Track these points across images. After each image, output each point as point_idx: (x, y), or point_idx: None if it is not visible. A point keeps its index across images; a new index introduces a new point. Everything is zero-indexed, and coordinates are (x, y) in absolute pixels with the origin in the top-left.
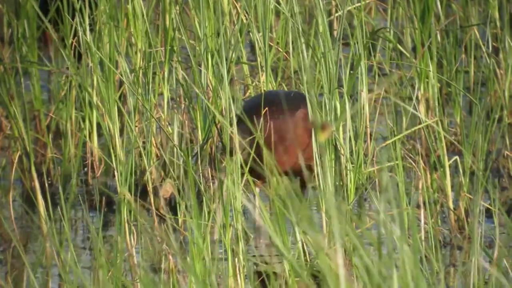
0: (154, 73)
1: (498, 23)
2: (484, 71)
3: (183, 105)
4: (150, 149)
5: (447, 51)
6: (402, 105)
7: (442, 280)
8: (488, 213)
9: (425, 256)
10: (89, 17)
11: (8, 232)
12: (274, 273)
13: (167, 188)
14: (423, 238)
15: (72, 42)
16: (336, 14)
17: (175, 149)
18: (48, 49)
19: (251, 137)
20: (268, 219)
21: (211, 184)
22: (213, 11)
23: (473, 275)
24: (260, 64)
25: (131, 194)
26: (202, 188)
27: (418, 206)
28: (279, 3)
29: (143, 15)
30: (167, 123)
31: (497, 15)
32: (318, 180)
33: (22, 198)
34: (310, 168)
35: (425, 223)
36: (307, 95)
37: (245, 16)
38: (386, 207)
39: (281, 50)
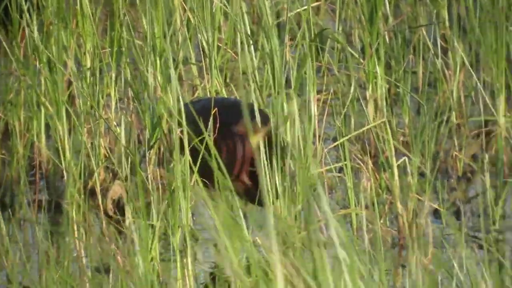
0: (102, 74)
1: (447, 23)
2: (432, 72)
3: (131, 106)
4: (98, 150)
5: (395, 51)
6: (350, 106)
7: (390, 280)
8: (437, 214)
9: (373, 257)
10: (37, 18)
11: None
12: (223, 275)
13: (116, 189)
14: (369, 238)
15: (20, 43)
16: (286, 15)
17: (123, 150)
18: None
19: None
20: (219, 221)
21: (159, 184)
22: (161, 11)
23: (419, 276)
24: (208, 65)
25: (79, 195)
26: (150, 189)
27: (366, 207)
28: (227, 3)
29: (91, 16)
30: (115, 124)
31: (446, 14)
32: (265, 182)
33: None
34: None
35: (373, 224)
36: (253, 97)
37: (193, 16)
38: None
39: (229, 51)
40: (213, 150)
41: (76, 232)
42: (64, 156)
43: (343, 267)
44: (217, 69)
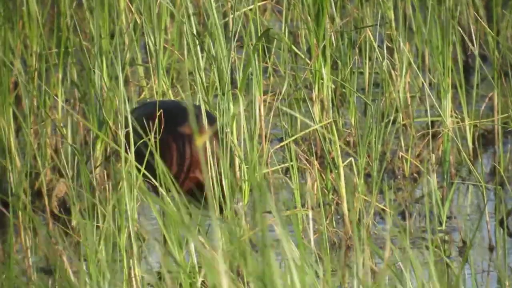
0: (49, 75)
1: (393, 24)
2: (378, 72)
3: (78, 107)
4: (44, 151)
5: (341, 52)
6: (296, 106)
7: (336, 281)
8: (383, 215)
9: (319, 257)
10: None
11: None
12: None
13: (61, 188)
14: (314, 239)
15: None
16: (231, 16)
17: (69, 151)
18: None
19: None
20: (163, 227)
21: (106, 185)
22: (108, 12)
23: (363, 276)
24: (155, 66)
25: (25, 196)
26: (97, 189)
27: (312, 208)
28: (173, 5)
29: (38, 17)
30: (61, 125)
31: (392, 15)
32: (212, 184)
33: None
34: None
35: (319, 224)
36: (200, 96)
37: (139, 17)
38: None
39: (176, 52)
40: (158, 152)
41: (22, 233)
42: (11, 156)
43: (292, 267)
44: (164, 70)
